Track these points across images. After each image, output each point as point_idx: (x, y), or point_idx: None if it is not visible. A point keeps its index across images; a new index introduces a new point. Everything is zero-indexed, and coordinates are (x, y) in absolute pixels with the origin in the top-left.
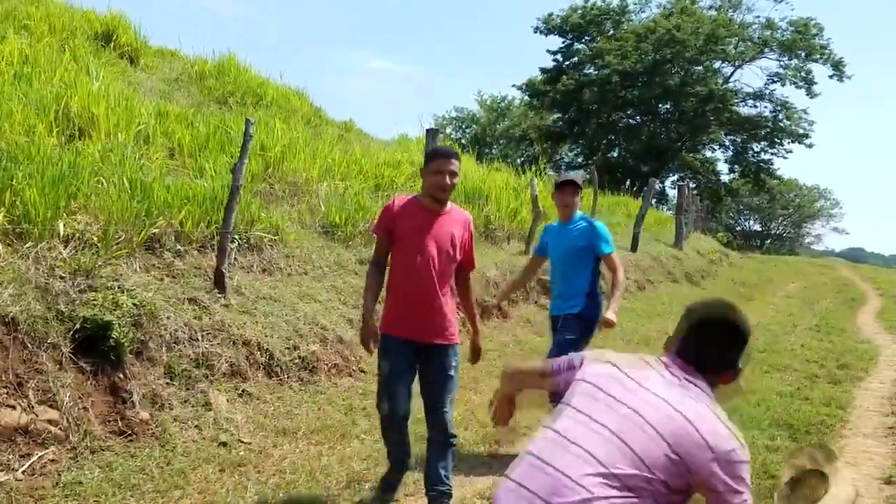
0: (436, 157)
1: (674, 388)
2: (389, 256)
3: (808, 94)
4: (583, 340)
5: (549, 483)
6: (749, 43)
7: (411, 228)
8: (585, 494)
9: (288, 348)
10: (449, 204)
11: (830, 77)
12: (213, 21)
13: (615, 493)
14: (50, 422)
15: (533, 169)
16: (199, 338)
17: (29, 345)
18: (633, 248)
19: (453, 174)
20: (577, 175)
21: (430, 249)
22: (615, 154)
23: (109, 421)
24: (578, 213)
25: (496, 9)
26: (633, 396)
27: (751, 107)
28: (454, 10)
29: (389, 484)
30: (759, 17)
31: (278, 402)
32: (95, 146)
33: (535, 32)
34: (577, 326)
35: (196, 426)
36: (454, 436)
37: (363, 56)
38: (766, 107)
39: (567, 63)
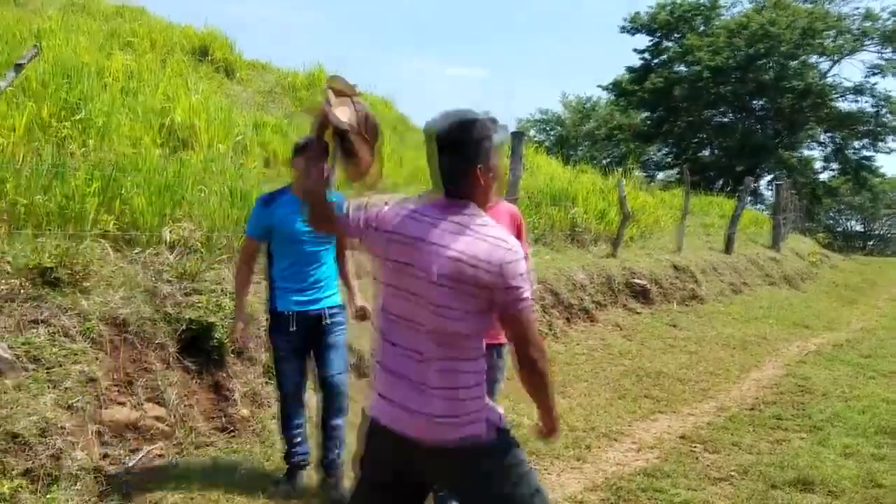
0: None
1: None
2: None
3: None
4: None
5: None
6: (847, 35)
7: None
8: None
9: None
10: (494, 199)
11: None
12: (299, 33)
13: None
14: (157, 418)
15: (620, 169)
16: None
17: (138, 345)
18: (728, 249)
19: None
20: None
21: None
22: (706, 153)
23: (212, 418)
24: None
25: (575, 11)
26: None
27: (851, 102)
28: (529, 14)
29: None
30: (857, 8)
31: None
32: (197, 156)
33: (623, 32)
34: (344, 321)
35: None
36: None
37: (441, 63)
38: (867, 101)
39: (655, 61)
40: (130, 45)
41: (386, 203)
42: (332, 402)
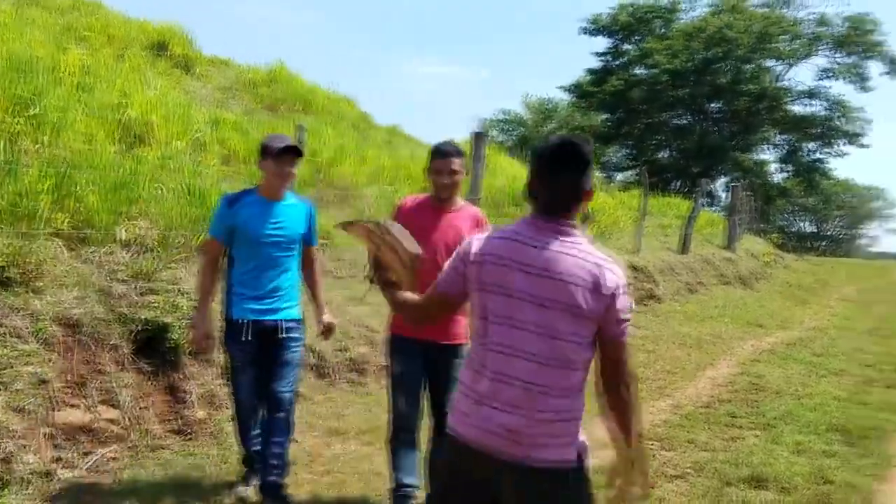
0: (435, 157)
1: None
2: None
3: (861, 89)
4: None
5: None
6: (802, 40)
7: (419, 227)
8: None
9: (338, 350)
10: (460, 201)
11: (883, 74)
12: (264, 28)
13: None
14: (111, 421)
15: None
16: None
17: (91, 346)
18: (684, 249)
19: (453, 173)
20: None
21: (437, 248)
22: (664, 154)
23: (168, 420)
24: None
25: (540, 12)
26: None
27: (804, 105)
28: (499, 13)
29: None
30: (811, 13)
31: (329, 402)
32: (154, 153)
33: (583, 33)
34: (301, 337)
35: None
36: None
37: (414, 63)
38: (820, 105)
39: (615, 64)
40: (86, 40)
41: (477, 237)
42: (276, 419)
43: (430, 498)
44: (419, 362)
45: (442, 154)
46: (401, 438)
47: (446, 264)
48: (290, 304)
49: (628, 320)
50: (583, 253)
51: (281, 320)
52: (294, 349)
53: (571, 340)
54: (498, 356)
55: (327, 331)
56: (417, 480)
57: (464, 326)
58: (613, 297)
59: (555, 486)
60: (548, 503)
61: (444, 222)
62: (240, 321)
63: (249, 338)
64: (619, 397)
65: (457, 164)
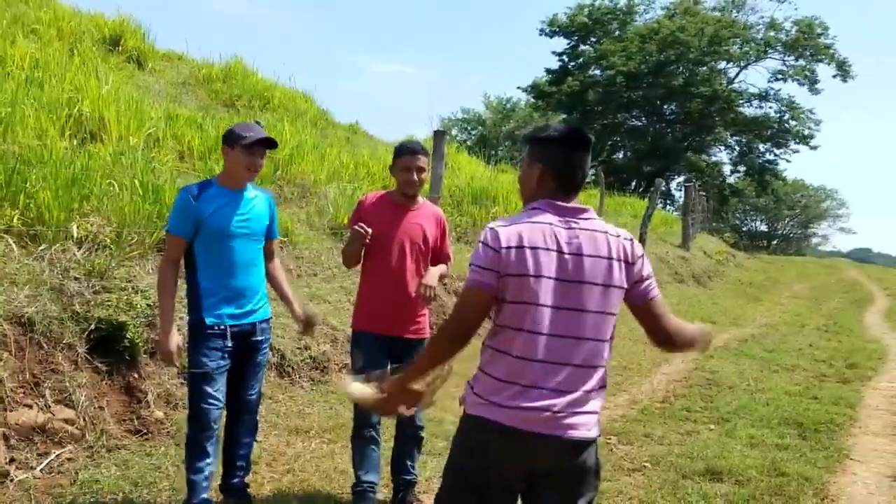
0: (403, 154)
1: None
2: (363, 252)
3: (810, 91)
4: None
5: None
6: (753, 44)
7: (383, 224)
8: None
9: (299, 348)
10: (421, 199)
11: (834, 77)
12: (221, 23)
13: None
14: (66, 421)
15: None
16: None
17: (45, 345)
18: None
19: (420, 170)
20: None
21: (402, 244)
22: (620, 155)
23: (125, 420)
24: None
25: (502, 10)
26: None
27: (756, 107)
28: (460, 12)
29: None
30: (763, 17)
31: (290, 401)
32: (107, 149)
33: (541, 35)
34: (270, 337)
35: None
36: (422, 427)
37: (371, 60)
38: (771, 107)
39: (572, 64)
40: (35, 33)
41: (494, 228)
42: (245, 421)
43: (454, 480)
44: (382, 358)
45: (411, 151)
46: (363, 436)
47: (473, 264)
48: (263, 302)
49: (653, 279)
50: (605, 229)
51: (257, 322)
52: (265, 350)
53: (609, 313)
54: (542, 340)
55: (309, 325)
56: (378, 478)
57: (427, 320)
58: (640, 265)
59: (588, 456)
60: (584, 473)
61: (407, 219)
62: (217, 327)
63: (226, 344)
64: (675, 341)
65: (424, 161)
